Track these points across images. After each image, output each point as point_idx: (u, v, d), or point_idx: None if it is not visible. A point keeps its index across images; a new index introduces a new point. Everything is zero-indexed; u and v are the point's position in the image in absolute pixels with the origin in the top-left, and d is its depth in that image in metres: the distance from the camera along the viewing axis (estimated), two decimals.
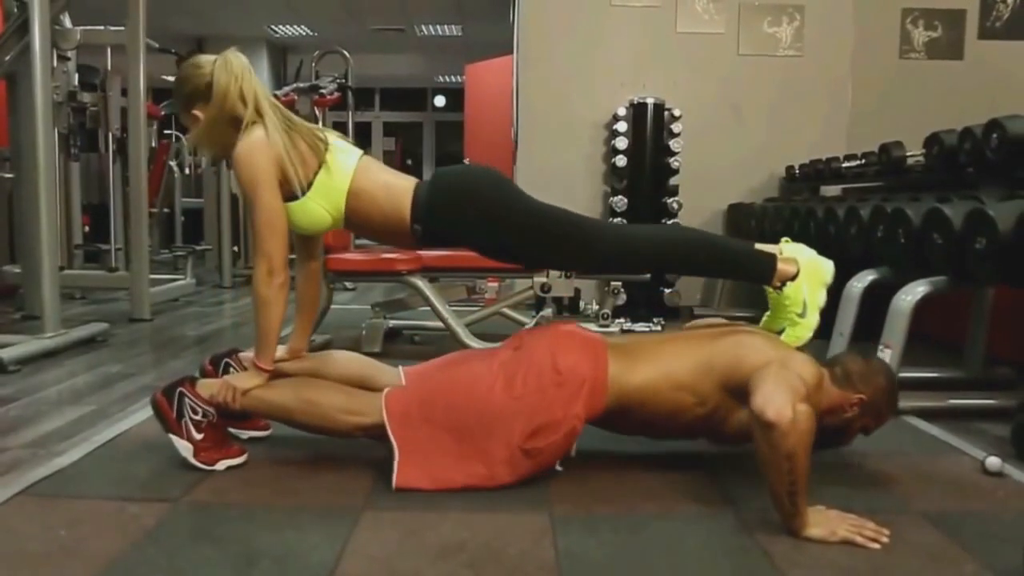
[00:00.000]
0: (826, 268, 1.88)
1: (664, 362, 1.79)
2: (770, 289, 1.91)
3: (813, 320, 1.88)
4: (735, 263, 1.99)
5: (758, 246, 1.93)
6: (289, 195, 1.81)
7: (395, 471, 1.73)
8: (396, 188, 1.87)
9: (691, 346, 1.82)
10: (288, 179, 1.79)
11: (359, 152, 1.92)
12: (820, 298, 1.88)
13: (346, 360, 2.05)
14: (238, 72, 1.84)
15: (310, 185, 1.82)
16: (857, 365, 1.79)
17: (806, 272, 1.87)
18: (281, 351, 2.02)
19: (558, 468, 1.83)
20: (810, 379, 1.65)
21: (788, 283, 1.87)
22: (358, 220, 1.89)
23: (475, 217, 1.85)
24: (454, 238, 1.94)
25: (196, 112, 1.87)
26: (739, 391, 1.69)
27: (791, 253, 1.90)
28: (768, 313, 1.97)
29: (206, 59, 1.88)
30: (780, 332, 1.91)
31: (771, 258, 1.88)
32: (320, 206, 1.84)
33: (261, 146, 1.79)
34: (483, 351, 1.97)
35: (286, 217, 1.82)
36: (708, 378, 1.75)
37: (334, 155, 1.85)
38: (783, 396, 1.51)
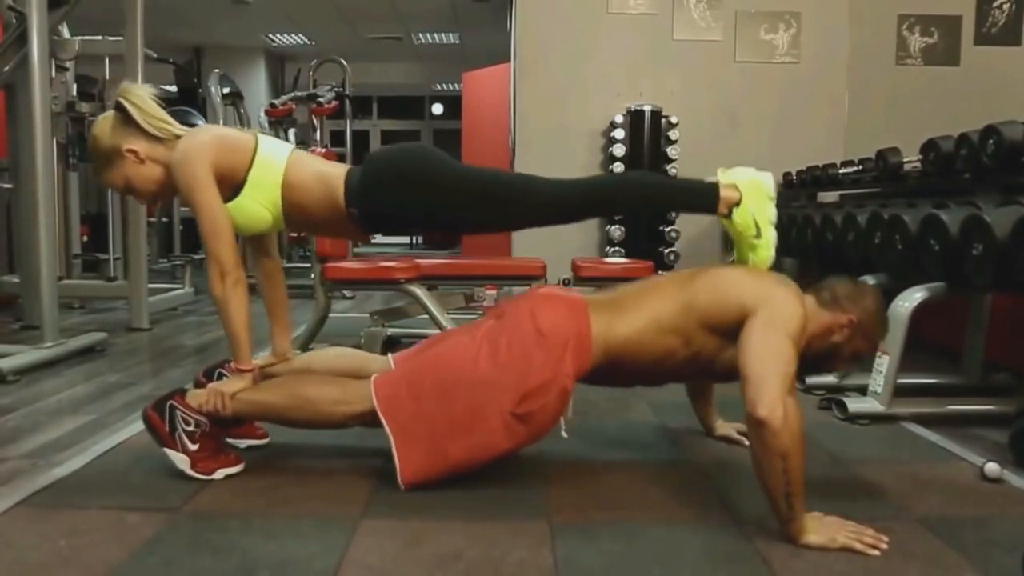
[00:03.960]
0: (765, 182, 1.89)
1: (646, 310, 1.79)
2: (724, 220, 1.92)
3: (770, 236, 1.89)
4: (678, 196, 2.05)
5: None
6: (226, 196, 1.82)
7: (396, 460, 1.72)
8: (328, 175, 1.88)
9: (669, 289, 1.82)
10: (223, 176, 1.80)
11: (290, 146, 1.93)
12: (769, 213, 1.89)
13: (334, 355, 2.05)
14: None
15: (244, 182, 1.83)
16: (844, 287, 1.80)
17: (747, 192, 1.87)
18: (267, 357, 2.04)
19: (564, 435, 1.83)
20: (796, 320, 1.64)
21: (734, 209, 1.87)
22: (296, 213, 1.89)
23: (408, 191, 1.85)
24: (394, 216, 1.92)
25: (131, 147, 1.84)
26: (724, 330, 1.70)
27: (729, 180, 1.90)
28: (735, 248, 1.98)
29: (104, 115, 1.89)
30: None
31: (712, 187, 1.89)
32: (257, 203, 1.84)
33: (197, 149, 1.80)
34: (466, 325, 1.96)
35: (229, 218, 1.81)
36: (690, 318, 1.75)
37: (263, 151, 1.86)
38: (773, 389, 1.50)
